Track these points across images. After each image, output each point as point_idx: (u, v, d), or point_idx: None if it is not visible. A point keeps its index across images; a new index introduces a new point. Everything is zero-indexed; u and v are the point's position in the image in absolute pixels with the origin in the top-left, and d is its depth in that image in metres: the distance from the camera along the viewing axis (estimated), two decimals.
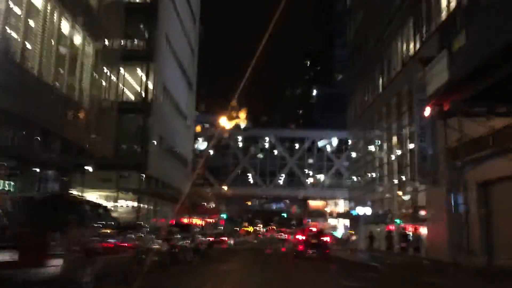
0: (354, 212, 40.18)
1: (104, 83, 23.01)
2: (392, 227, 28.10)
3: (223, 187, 69.17)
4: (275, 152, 75.29)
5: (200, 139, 73.00)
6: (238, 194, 73.17)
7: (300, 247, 22.86)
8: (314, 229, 25.36)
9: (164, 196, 32.68)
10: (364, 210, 35.45)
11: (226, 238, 36.84)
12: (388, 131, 32.04)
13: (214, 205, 76.53)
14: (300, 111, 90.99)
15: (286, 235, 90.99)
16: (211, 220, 72.11)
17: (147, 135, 26.93)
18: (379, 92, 35.39)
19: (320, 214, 74.73)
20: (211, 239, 36.13)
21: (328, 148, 74.98)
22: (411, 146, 26.73)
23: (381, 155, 34.72)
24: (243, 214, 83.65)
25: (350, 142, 52.16)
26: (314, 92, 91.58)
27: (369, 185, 38.02)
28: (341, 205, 78.23)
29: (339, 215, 68.28)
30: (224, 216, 70.21)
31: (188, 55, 39.76)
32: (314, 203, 77.81)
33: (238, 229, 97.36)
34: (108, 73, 27.64)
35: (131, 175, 27.39)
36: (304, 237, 23.17)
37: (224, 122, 28.78)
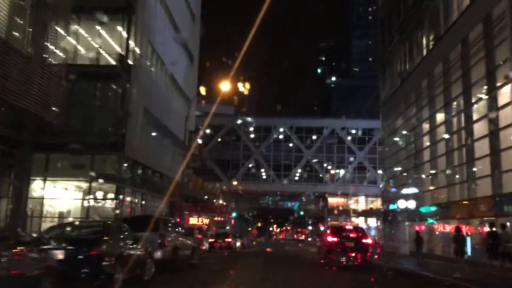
0: (393, 206, 33.37)
1: (68, 41, 17.16)
2: (463, 226, 21.06)
3: (233, 182, 63.12)
4: (290, 144, 68.97)
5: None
6: (250, 190, 67.15)
7: (332, 252, 16.70)
8: (350, 227, 18.93)
9: (155, 188, 26.61)
10: (407, 204, 28.79)
11: (231, 240, 30.86)
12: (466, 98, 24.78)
13: (224, 203, 70.66)
14: (317, 101, 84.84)
15: (303, 236, 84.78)
16: (219, 219, 66.18)
17: (127, 106, 20.91)
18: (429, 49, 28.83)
19: (342, 212, 68.24)
20: (209, 240, 30.60)
21: (349, 138, 68.44)
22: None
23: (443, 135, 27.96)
24: (256, 213, 77.45)
25: (380, 127, 45.38)
26: (332, 81, 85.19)
27: (414, 175, 31.58)
28: (362, 202, 71.90)
29: (366, 213, 61.77)
30: (234, 214, 64.14)
31: (185, 16, 33.58)
32: (333, 200, 71.39)
33: (250, 229, 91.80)
34: (77, 29, 21.79)
35: (109, 159, 21.39)
36: (336, 239, 16.96)
37: (225, 86, 22.92)
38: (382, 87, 41.42)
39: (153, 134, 26.25)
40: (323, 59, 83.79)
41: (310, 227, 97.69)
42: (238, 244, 35.29)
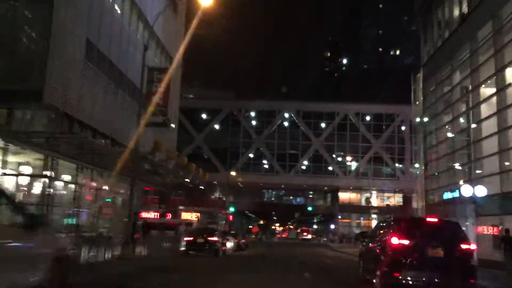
0: (448, 195, 25.19)
1: None
2: None
3: (232, 173, 56.05)
4: (297, 131, 61.86)
5: None
6: (250, 182, 60.07)
7: (401, 267, 9.33)
8: (434, 220, 10.92)
9: (105, 162, 19.14)
10: (475, 191, 20.62)
11: (216, 239, 23.56)
12: None
13: (222, 197, 63.74)
14: (325, 85, 77.29)
15: (309, 235, 77.72)
16: (214, 212, 59.20)
17: (52, 34, 13.78)
18: None
19: (358, 209, 61.31)
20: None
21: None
22: None
23: None
24: (257, 208, 70.34)
25: (413, 100, 38.20)
26: (342, 64, 77.98)
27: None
28: (374, 199, 64.82)
29: (385, 210, 54.55)
30: (231, 209, 57.14)
31: None
32: (345, 196, 64.34)
33: (250, 227, 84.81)
34: None
35: (36, 115, 14.32)
36: (410, 241, 9.53)
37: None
38: (424, 42, 33.63)
39: (100, 79, 18.65)
40: (333, 40, 76.59)
41: (315, 226, 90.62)
42: (230, 244, 28.24)
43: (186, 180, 31.09)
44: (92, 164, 19.45)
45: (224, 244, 25.68)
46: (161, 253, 20.73)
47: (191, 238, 23.41)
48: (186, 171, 29.99)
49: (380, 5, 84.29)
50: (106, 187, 22.13)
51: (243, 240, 36.21)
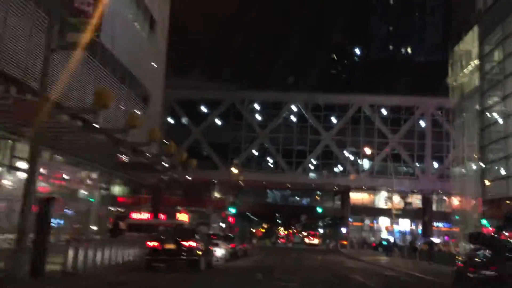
0: None
1: None
2: None
3: (233, 170, 50.95)
4: (305, 125, 56.71)
5: None
6: (253, 181, 54.93)
7: None
8: None
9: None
10: None
11: (195, 245, 17.21)
12: None
13: (223, 197, 58.73)
14: (336, 75, 72.00)
15: (316, 240, 72.51)
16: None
17: None
18: None
19: (371, 211, 56.22)
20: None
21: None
22: None
23: None
24: (260, 210, 65.17)
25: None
26: (355, 54, 72.82)
27: None
28: (381, 200, 59.72)
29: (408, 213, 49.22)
30: (232, 210, 52.07)
31: None
32: (357, 196, 59.18)
33: (254, 230, 79.63)
34: None
35: None
36: None
37: None
38: None
39: None
40: (345, 27, 71.44)
41: (321, 230, 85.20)
42: (220, 252, 22.57)
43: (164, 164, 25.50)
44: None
45: (210, 252, 19.20)
46: (108, 267, 15.56)
47: (156, 244, 16.68)
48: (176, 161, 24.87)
49: None
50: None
51: (241, 246, 30.94)
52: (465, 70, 35.63)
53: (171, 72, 61.71)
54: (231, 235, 33.56)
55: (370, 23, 79.33)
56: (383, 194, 58.05)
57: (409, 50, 68.35)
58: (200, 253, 17.26)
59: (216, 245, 22.05)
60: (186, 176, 47.53)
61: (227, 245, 24.61)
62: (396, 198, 58.12)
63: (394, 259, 34.08)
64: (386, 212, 56.67)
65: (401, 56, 68.07)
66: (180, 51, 68.23)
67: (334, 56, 72.62)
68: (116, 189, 57.80)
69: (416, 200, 56.00)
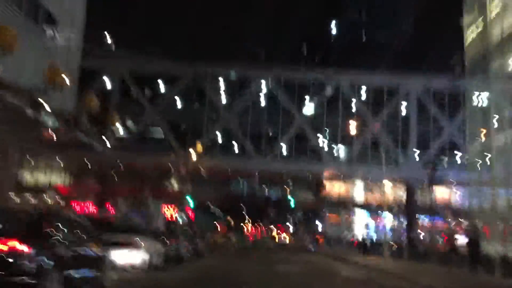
0: None
1: None
2: None
3: (192, 155, 44.46)
4: (276, 105, 50.54)
5: None
6: (216, 169, 48.52)
7: None
8: None
9: None
10: None
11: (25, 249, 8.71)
12: None
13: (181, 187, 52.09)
14: (312, 52, 65.70)
15: (287, 237, 66.67)
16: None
17: None
18: None
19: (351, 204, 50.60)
20: None
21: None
22: None
23: None
24: (224, 202, 58.75)
25: None
26: (332, 27, 66.85)
27: None
28: (360, 190, 54.32)
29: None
30: (190, 201, 45.60)
31: None
32: (332, 186, 53.49)
33: (218, 225, 72.90)
34: None
35: None
36: None
37: None
38: None
39: None
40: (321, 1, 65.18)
41: (289, 224, 79.45)
42: (141, 256, 15.24)
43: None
44: None
45: (100, 260, 10.92)
46: None
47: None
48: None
49: None
50: None
51: (184, 245, 24.17)
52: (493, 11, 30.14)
53: (124, 46, 55.26)
54: (162, 229, 27.35)
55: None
56: (362, 184, 52.61)
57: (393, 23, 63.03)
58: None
59: (126, 245, 14.53)
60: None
61: (157, 245, 16.95)
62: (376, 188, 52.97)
63: (387, 261, 28.32)
64: (366, 205, 51.44)
65: (383, 32, 62.68)
66: (135, 24, 61.28)
67: (310, 32, 66.68)
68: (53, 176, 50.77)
69: (399, 191, 50.59)
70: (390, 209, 45.92)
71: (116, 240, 13.55)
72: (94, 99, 28.69)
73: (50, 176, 50.54)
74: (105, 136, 48.09)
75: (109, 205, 43.70)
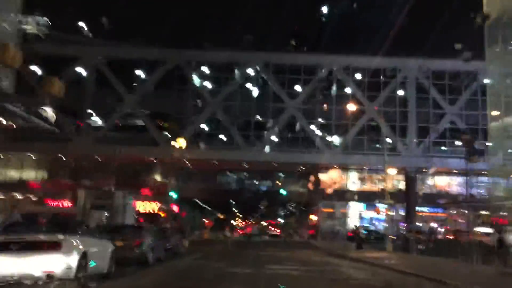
0: None
1: None
2: None
3: (176, 146, 41.23)
4: (265, 91, 47.40)
5: None
6: (202, 160, 45.33)
7: None
8: None
9: None
10: None
11: None
12: None
13: (164, 180, 48.81)
14: (302, 35, 62.34)
15: (277, 231, 63.77)
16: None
17: None
18: None
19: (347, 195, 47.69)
20: None
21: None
22: None
23: None
24: (211, 196, 55.45)
25: None
26: (324, 13, 63.61)
27: None
28: (355, 180, 51.47)
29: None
30: (173, 195, 42.34)
31: None
32: (327, 177, 50.51)
33: (206, 221, 69.55)
34: None
35: None
36: None
37: None
38: None
39: None
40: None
41: (280, 219, 76.57)
42: (51, 265, 10.09)
43: None
44: None
45: None
46: None
47: None
48: None
49: None
50: None
51: (150, 244, 20.30)
52: None
53: (102, 34, 51.50)
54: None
55: None
56: (357, 174, 49.78)
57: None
58: None
59: (40, 247, 10.14)
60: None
61: (103, 245, 12.57)
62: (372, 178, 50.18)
63: (395, 256, 25.33)
64: (361, 196, 48.60)
65: (376, 12, 59.73)
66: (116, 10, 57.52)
67: (301, 15, 63.46)
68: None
69: (398, 180, 47.75)
70: (387, 199, 43.02)
71: (32, 240, 10.00)
72: (57, 82, 25.43)
73: (20, 171, 47.32)
74: (80, 127, 44.93)
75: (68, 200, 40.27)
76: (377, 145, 45.16)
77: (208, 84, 47.07)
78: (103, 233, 14.53)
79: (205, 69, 47.22)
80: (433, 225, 44.71)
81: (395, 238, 34.03)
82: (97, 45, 46.10)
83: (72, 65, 45.27)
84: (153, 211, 45.38)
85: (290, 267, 18.35)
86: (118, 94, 45.68)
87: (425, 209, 48.45)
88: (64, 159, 44.08)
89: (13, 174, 45.39)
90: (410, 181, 45.93)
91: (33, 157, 45.87)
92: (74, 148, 43.07)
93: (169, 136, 43.88)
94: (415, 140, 46.19)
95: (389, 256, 25.09)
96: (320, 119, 46.96)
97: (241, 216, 72.32)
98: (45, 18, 36.53)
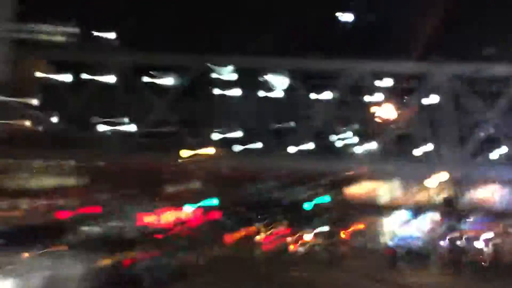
0: None
1: None
2: None
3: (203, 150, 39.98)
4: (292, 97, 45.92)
5: None
6: (227, 167, 43.81)
7: None
8: None
9: None
10: None
11: None
12: None
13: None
14: (326, 42, 60.93)
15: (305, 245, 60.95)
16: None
17: None
18: None
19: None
20: None
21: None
22: None
23: None
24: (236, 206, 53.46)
25: None
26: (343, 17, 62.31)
27: None
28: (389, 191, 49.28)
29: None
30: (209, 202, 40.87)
31: None
32: (356, 190, 48.58)
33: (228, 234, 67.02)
34: None
35: None
36: None
37: None
38: None
39: None
40: None
41: (308, 232, 73.01)
42: None
43: None
44: None
45: None
46: None
47: None
48: None
49: None
50: None
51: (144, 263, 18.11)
52: None
53: (126, 41, 51.13)
54: None
55: None
56: (392, 184, 47.67)
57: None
58: None
59: None
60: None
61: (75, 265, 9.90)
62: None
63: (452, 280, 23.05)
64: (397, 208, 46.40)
65: (405, 16, 58.33)
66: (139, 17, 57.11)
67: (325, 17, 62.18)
68: None
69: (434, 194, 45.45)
70: (427, 211, 40.78)
71: None
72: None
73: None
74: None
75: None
76: (413, 154, 43.21)
77: (234, 91, 45.87)
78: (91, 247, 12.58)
79: (231, 75, 46.16)
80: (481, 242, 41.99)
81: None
82: (123, 52, 45.68)
83: (100, 72, 44.79)
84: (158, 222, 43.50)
85: None
86: (147, 101, 44.89)
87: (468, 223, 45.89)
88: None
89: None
90: (452, 192, 43.60)
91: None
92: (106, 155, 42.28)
93: (198, 143, 42.67)
94: (454, 149, 44.04)
95: (443, 280, 22.82)
96: (350, 127, 45.34)
97: (265, 227, 69.93)
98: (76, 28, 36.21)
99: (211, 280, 20.10)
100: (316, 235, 65.89)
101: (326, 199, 51.52)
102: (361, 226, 48.36)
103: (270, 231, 70.37)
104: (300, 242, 59.70)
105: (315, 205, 51.61)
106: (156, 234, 37.93)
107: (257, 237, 70.29)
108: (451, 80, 44.78)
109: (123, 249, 14.37)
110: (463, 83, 44.81)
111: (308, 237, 67.35)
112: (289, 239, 69.17)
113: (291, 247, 60.90)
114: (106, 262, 12.00)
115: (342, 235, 51.07)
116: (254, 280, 20.57)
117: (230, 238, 62.59)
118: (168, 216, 45.81)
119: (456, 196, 43.14)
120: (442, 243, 34.56)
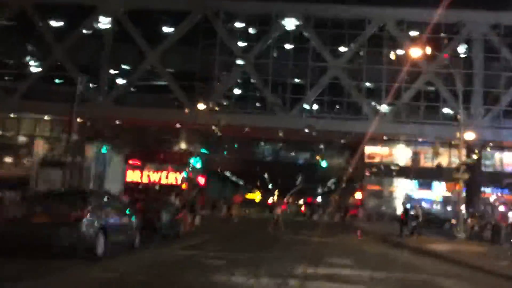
0: None
1: None
2: None
3: (200, 107, 36.16)
4: (305, 48, 41.43)
5: None
6: (231, 126, 39.92)
7: None
8: None
9: None
10: None
11: None
12: None
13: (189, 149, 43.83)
14: None
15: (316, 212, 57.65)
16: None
17: None
18: None
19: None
20: None
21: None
22: None
23: None
24: (243, 169, 50.15)
25: None
26: None
27: None
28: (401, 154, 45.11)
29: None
30: (196, 163, 37.44)
31: None
32: (373, 150, 44.63)
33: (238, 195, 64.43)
34: None
35: None
36: None
37: None
38: None
39: None
40: None
41: (319, 198, 71.17)
42: None
43: None
44: None
45: None
46: None
47: None
48: None
49: None
50: None
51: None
52: None
53: None
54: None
55: None
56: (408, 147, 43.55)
57: None
58: None
59: None
60: None
61: None
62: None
63: (481, 248, 19.50)
64: (413, 172, 42.46)
65: None
66: None
67: None
68: None
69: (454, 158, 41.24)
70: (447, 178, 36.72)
71: None
72: None
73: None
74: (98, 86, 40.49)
75: None
76: (438, 113, 38.86)
77: (239, 40, 41.57)
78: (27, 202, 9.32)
79: (236, 22, 41.77)
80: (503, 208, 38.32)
81: (454, 223, 28.21)
82: None
83: (89, 16, 40.79)
84: (172, 182, 40.57)
85: (343, 270, 12.52)
86: (139, 50, 40.90)
87: (489, 190, 42.02)
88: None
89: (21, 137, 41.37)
90: (477, 155, 39.35)
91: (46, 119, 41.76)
92: (90, 109, 38.52)
93: (195, 98, 38.76)
94: (481, 108, 39.48)
95: (470, 248, 19.30)
96: (367, 82, 40.97)
97: (275, 191, 67.08)
98: None
99: (197, 242, 17.69)
100: (327, 197, 63.13)
101: (340, 160, 47.74)
102: (376, 188, 44.73)
103: (279, 194, 67.76)
104: (311, 205, 56.80)
105: (329, 167, 47.92)
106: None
107: (270, 200, 67.81)
108: (487, 31, 39.84)
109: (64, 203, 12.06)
110: (500, 34, 39.85)
111: (320, 202, 64.76)
112: (301, 201, 66.59)
113: (303, 210, 58.07)
114: (40, 218, 9.81)
115: (355, 197, 47.68)
116: (240, 243, 17.79)
117: (238, 199, 59.79)
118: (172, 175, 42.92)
119: (480, 159, 38.90)
120: (462, 208, 30.96)
